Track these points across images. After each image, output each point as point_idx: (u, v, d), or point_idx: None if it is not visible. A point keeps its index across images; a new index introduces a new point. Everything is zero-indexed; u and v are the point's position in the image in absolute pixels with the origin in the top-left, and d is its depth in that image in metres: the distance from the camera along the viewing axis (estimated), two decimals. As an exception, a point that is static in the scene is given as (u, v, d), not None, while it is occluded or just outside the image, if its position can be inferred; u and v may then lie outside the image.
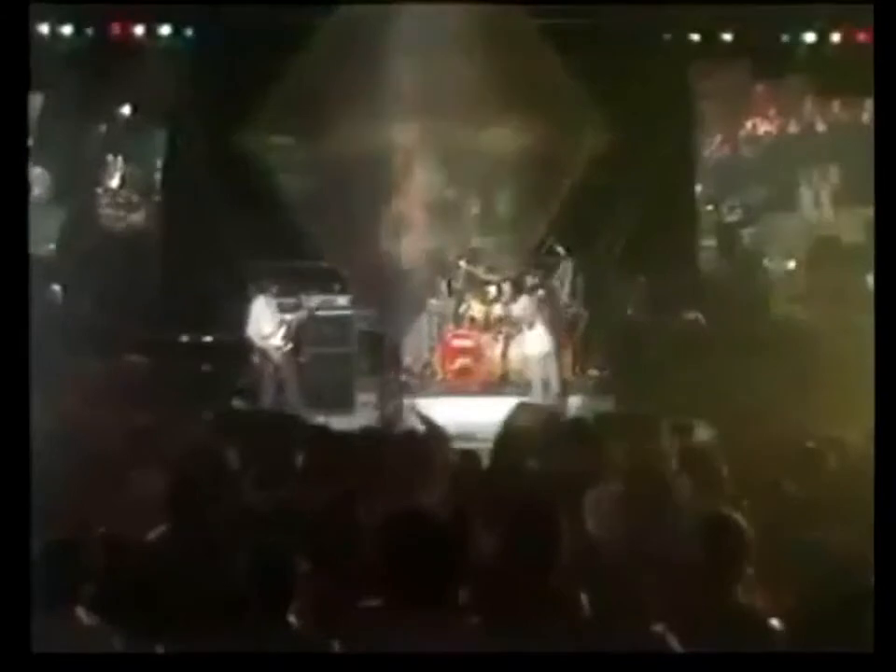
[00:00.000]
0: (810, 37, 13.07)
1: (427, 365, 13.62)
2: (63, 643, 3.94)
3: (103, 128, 13.44)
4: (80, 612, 4.20)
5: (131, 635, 4.08)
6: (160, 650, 4.02)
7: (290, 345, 12.60)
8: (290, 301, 12.86)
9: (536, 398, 11.87)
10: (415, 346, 13.77)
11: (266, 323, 12.48)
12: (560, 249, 13.49)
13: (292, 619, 4.07)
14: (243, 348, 12.63)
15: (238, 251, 13.21)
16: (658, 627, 3.79)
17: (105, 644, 4.05)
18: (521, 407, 7.46)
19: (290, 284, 12.90)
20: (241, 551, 4.31)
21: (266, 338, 12.43)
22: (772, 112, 14.13)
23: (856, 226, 12.15)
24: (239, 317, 12.63)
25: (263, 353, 12.44)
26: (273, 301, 12.64)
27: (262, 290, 12.63)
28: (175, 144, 13.50)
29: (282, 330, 12.52)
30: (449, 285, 13.90)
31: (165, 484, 5.63)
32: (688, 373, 12.41)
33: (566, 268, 13.72)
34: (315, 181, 13.95)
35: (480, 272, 13.83)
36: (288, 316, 12.67)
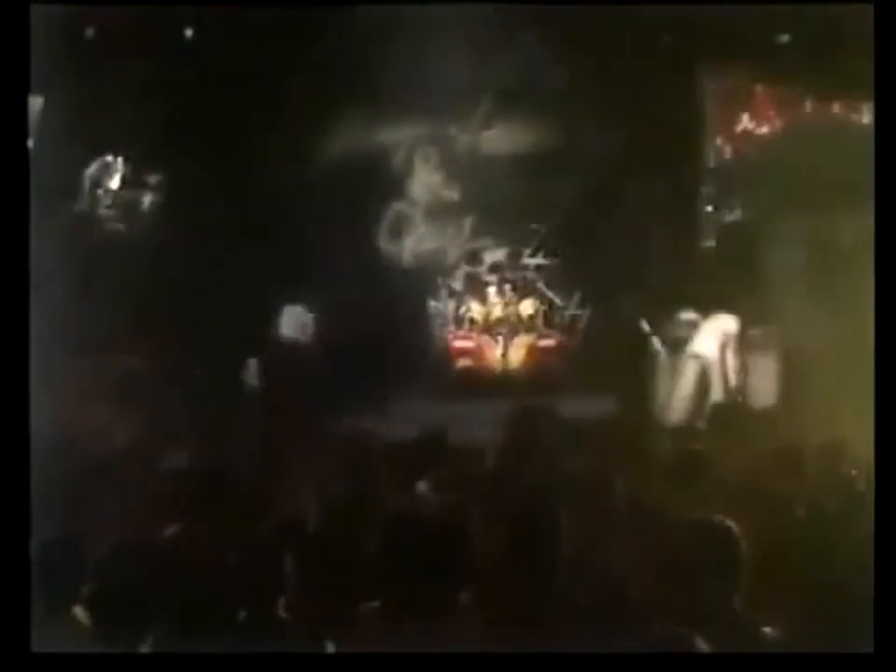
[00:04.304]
0: (810, 37, 13.04)
1: (428, 366, 13.62)
2: (58, 643, 3.95)
3: (103, 128, 13.42)
4: (77, 612, 4.20)
5: (129, 635, 4.09)
6: (158, 650, 4.02)
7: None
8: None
9: None
10: (415, 347, 13.76)
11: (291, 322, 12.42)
12: (559, 250, 13.51)
13: (291, 620, 4.07)
14: (243, 348, 12.62)
15: (238, 251, 13.20)
16: (657, 628, 3.79)
17: (102, 644, 4.05)
18: (521, 408, 7.47)
19: (290, 283, 12.88)
20: (239, 551, 4.32)
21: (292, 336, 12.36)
22: (772, 112, 14.13)
23: (856, 226, 12.14)
24: (239, 317, 12.61)
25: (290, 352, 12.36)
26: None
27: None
28: (176, 144, 13.49)
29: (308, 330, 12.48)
30: (448, 286, 13.91)
31: (164, 485, 5.65)
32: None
33: (566, 269, 13.73)
34: (315, 181, 13.97)
35: (480, 273, 13.84)
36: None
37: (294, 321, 12.51)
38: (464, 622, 4.04)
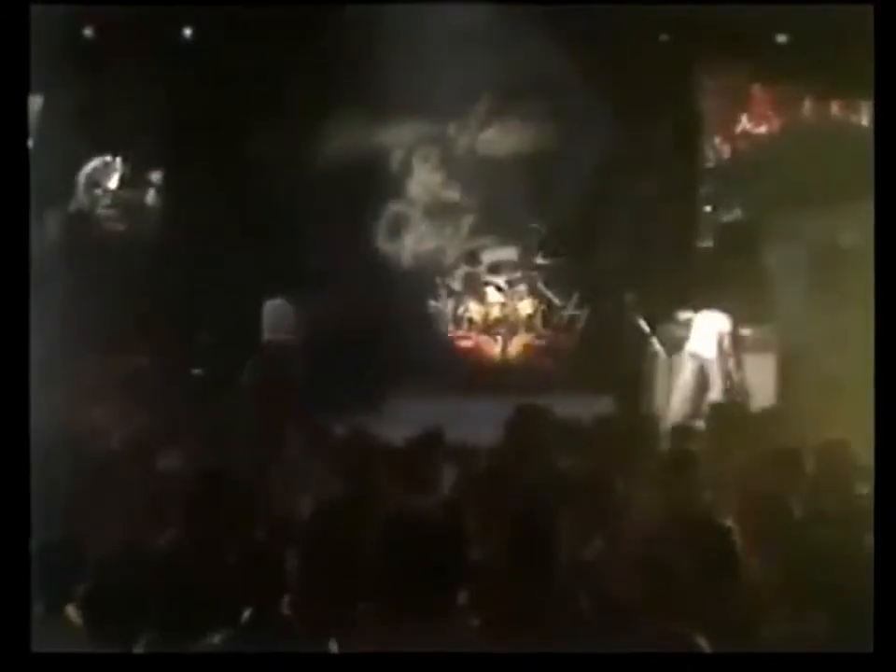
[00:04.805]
0: (809, 37, 13.05)
1: (426, 366, 13.62)
2: (58, 643, 3.94)
3: (103, 128, 13.43)
4: (76, 612, 4.20)
5: (128, 636, 4.08)
6: (158, 650, 4.02)
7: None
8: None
9: None
10: (414, 347, 13.76)
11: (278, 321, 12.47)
12: (558, 250, 13.52)
13: (290, 620, 4.07)
14: (243, 348, 12.61)
15: (238, 251, 13.21)
16: (657, 628, 3.79)
17: (102, 645, 4.05)
18: (520, 408, 7.45)
19: (289, 284, 12.87)
20: (238, 552, 4.32)
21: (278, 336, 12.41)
22: (771, 112, 14.14)
23: (855, 227, 12.16)
24: (238, 317, 12.61)
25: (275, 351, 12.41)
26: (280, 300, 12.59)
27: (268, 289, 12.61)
28: (176, 144, 13.50)
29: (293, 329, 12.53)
30: (447, 286, 13.91)
31: (162, 485, 5.65)
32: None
33: (565, 269, 13.74)
34: (314, 181, 13.97)
35: (478, 273, 13.85)
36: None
37: (276, 315, 12.52)
38: (464, 622, 4.04)
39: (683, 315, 12.50)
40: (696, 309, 12.34)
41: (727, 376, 12.03)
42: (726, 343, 12.11)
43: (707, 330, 12.18)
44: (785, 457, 6.03)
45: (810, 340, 11.77)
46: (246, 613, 4.06)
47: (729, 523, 4.50)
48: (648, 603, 4.04)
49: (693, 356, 12.20)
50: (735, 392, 11.85)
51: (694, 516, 4.95)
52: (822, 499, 5.54)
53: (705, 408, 11.12)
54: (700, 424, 8.26)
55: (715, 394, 11.96)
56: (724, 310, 12.16)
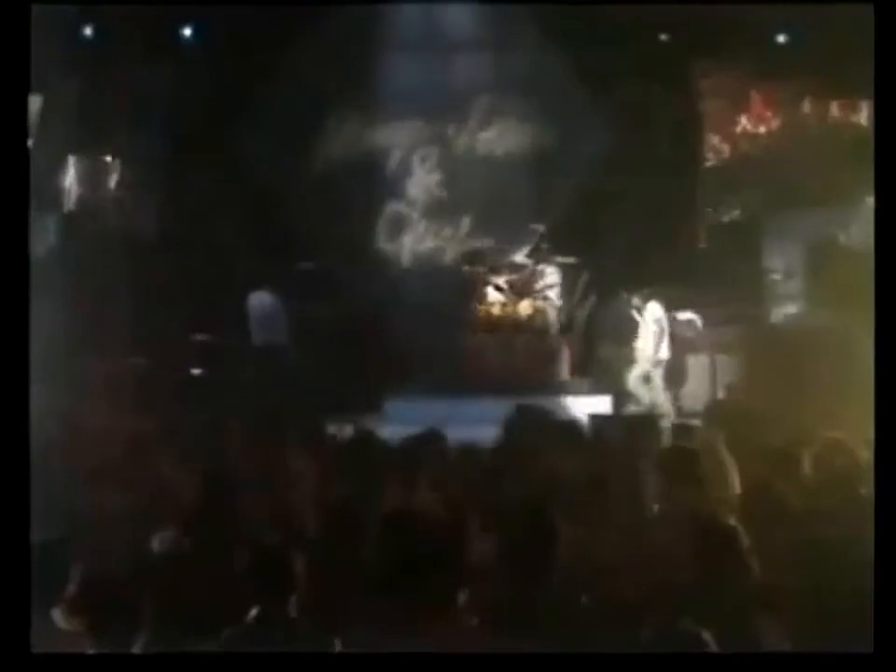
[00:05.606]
0: (809, 37, 13.06)
1: (427, 366, 13.62)
2: (58, 643, 3.95)
3: (102, 128, 13.44)
4: (78, 612, 4.20)
5: (126, 636, 4.08)
6: (159, 650, 4.02)
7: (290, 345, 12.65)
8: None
9: None
10: (414, 347, 13.77)
11: (269, 321, 12.51)
12: (558, 250, 13.51)
13: (291, 619, 4.07)
14: (243, 349, 12.63)
15: (237, 251, 13.22)
16: (658, 628, 3.79)
17: (102, 645, 4.05)
18: (520, 408, 7.45)
19: (289, 284, 12.88)
20: (240, 552, 4.32)
21: (270, 336, 12.46)
22: (770, 112, 14.15)
23: (855, 227, 12.16)
24: (239, 318, 12.62)
25: (267, 352, 12.45)
26: (274, 300, 12.63)
27: (262, 290, 12.63)
28: (175, 144, 13.51)
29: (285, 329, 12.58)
30: (447, 286, 13.91)
31: (164, 486, 5.65)
32: (686, 374, 12.46)
33: (564, 269, 13.73)
34: (314, 181, 13.99)
35: (479, 273, 13.84)
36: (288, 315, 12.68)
37: (262, 305, 12.53)
38: (464, 622, 4.04)
39: (678, 313, 12.57)
40: (675, 308, 12.48)
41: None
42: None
43: (672, 327, 12.41)
44: (782, 456, 6.03)
45: (809, 339, 11.77)
46: (247, 614, 4.06)
47: (731, 522, 4.50)
48: (647, 602, 4.04)
49: (666, 354, 12.40)
50: (734, 391, 11.91)
51: (695, 515, 4.94)
52: (822, 498, 5.54)
53: (696, 406, 11.22)
54: (698, 422, 8.26)
55: (688, 391, 12.15)
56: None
